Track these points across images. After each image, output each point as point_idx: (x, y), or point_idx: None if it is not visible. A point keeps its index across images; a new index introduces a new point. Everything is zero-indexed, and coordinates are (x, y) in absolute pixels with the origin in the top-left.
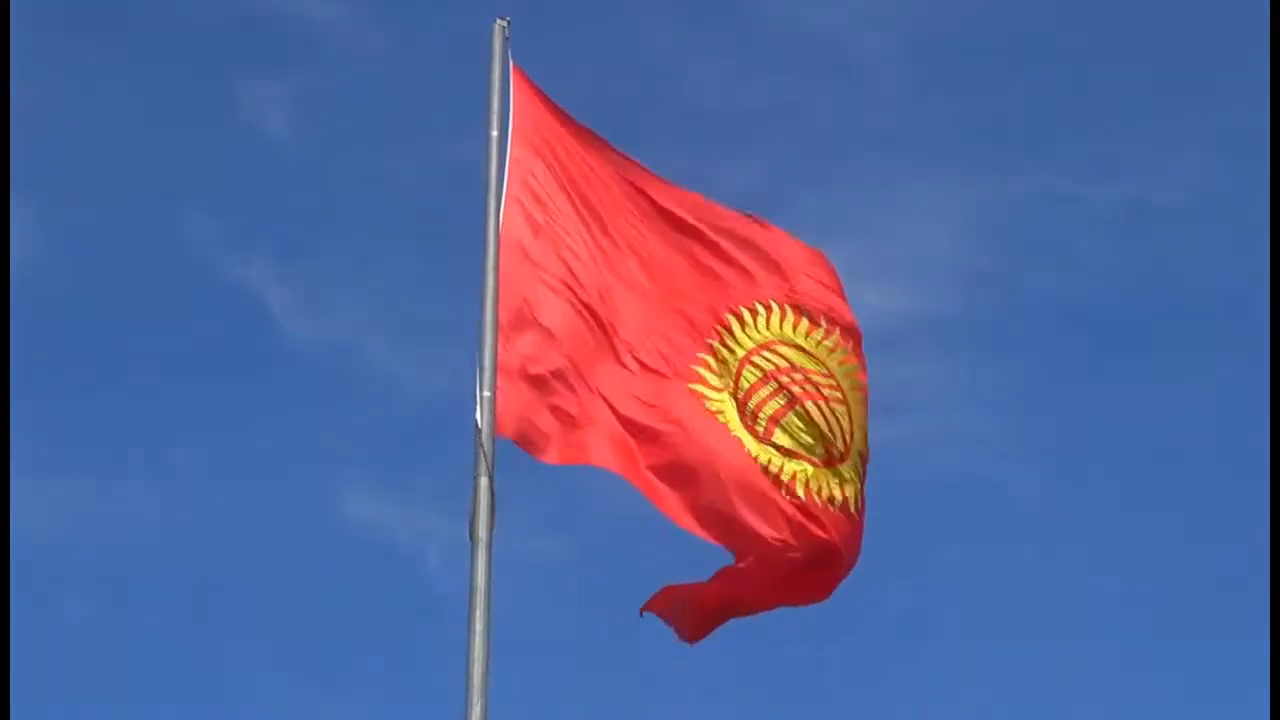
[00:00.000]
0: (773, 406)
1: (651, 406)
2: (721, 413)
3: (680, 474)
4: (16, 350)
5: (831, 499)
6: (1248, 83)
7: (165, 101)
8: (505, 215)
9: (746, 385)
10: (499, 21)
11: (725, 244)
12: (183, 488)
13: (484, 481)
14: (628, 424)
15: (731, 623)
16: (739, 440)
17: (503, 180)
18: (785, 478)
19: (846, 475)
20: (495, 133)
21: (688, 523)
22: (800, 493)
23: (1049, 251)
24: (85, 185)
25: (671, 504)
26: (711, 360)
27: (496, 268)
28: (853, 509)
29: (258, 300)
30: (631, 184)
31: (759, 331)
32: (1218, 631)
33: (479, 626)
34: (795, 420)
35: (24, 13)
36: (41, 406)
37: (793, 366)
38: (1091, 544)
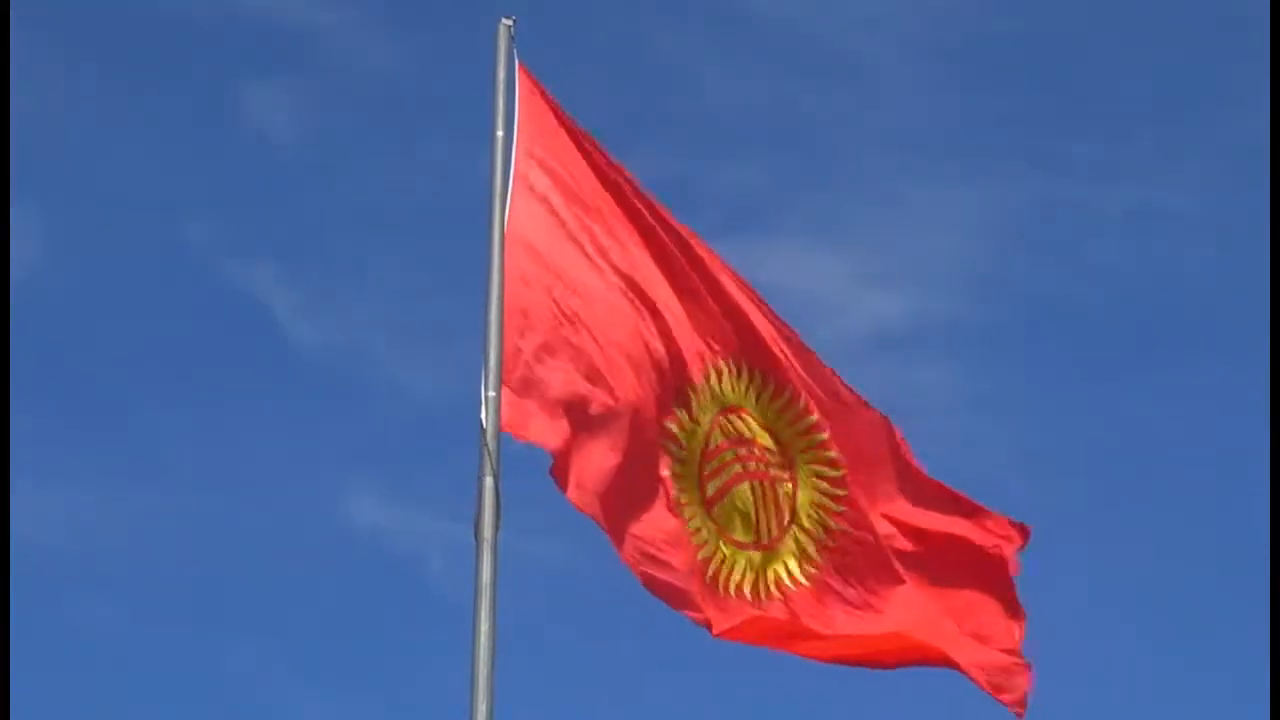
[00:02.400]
0: (726, 475)
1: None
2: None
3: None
4: (20, 355)
5: (742, 586)
6: (1250, 87)
7: (169, 106)
8: (510, 213)
9: (715, 443)
10: (504, 21)
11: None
12: (186, 492)
13: (489, 481)
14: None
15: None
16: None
17: (508, 180)
18: (707, 559)
19: (780, 555)
20: (500, 133)
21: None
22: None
23: (1053, 255)
24: (89, 190)
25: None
26: (692, 397)
27: (502, 267)
28: (763, 595)
29: (261, 305)
30: (632, 198)
31: (726, 391)
32: (1220, 633)
33: (484, 627)
34: (740, 494)
35: (27, 17)
36: (45, 411)
37: (752, 439)
38: (1095, 546)
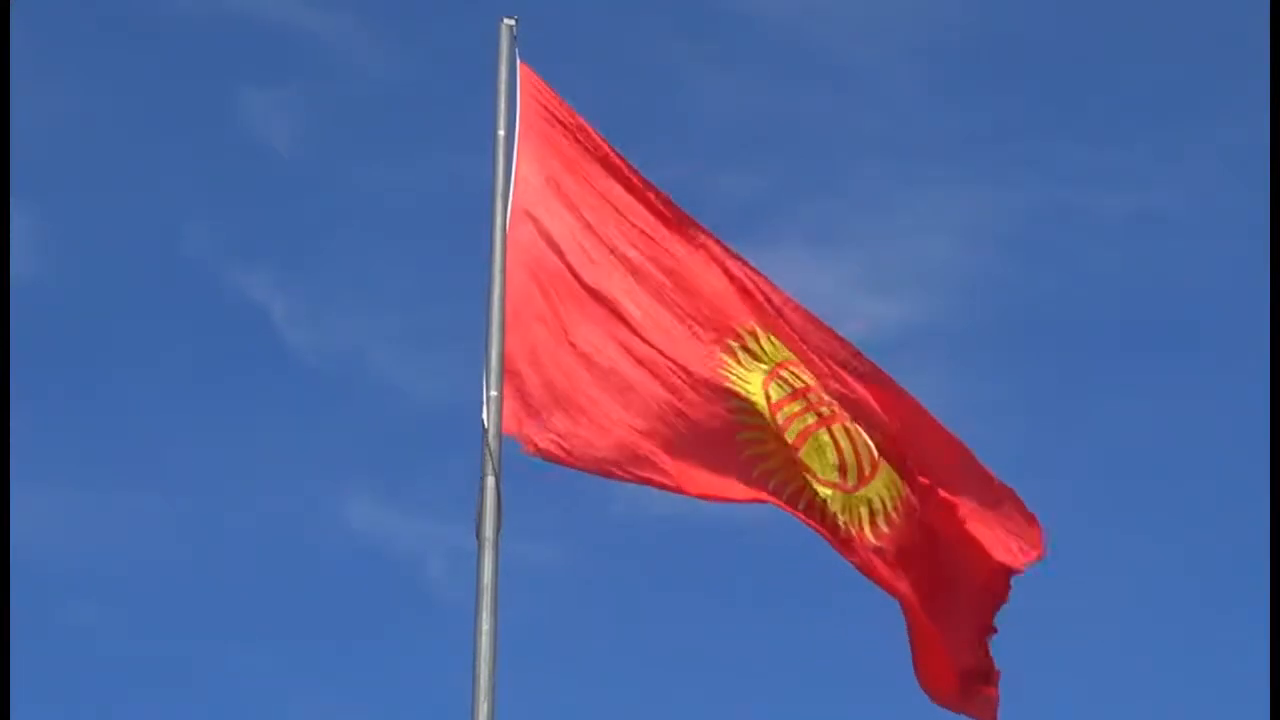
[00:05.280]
0: (803, 423)
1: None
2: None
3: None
4: (19, 359)
5: (858, 521)
6: (1249, 90)
7: (168, 111)
8: (512, 212)
9: (775, 397)
10: (506, 21)
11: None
12: (186, 497)
13: (490, 481)
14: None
15: (724, 618)
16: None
17: (510, 179)
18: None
19: (871, 496)
20: (502, 132)
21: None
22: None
23: (1051, 260)
24: (88, 194)
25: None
26: (731, 360)
27: (503, 267)
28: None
29: (260, 309)
30: (640, 186)
31: (778, 350)
32: (1220, 634)
33: (485, 626)
34: (822, 440)
35: (27, 21)
36: (44, 415)
37: (809, 386)
38: (1096, 549)
